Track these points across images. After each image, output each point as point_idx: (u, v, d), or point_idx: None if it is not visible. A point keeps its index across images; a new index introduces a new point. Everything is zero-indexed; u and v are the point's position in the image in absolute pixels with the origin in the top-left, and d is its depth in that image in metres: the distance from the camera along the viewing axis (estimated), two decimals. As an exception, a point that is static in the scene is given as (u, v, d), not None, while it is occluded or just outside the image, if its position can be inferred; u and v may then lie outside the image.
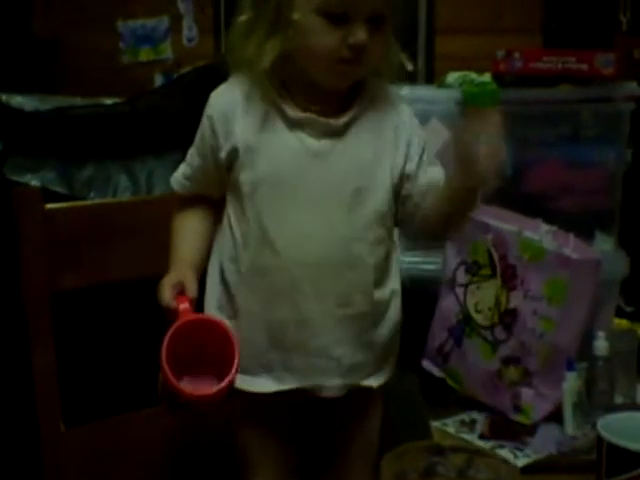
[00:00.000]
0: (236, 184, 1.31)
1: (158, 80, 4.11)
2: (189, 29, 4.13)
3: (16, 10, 3.76)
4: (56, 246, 1.36)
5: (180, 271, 1.31)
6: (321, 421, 1.45)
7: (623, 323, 2.06)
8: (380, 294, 1.35)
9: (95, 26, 4.01)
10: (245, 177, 1.29)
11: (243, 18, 1.29)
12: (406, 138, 1.34)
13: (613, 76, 1.94)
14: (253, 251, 1.29)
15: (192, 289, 1.29)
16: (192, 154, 1.37)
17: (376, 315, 1.35)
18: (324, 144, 1.28)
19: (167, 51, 4.17)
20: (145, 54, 4.17)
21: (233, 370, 1.20)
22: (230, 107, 1.30)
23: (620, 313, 2.14)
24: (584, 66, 1.92)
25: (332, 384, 1.33)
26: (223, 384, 1.20)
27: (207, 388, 1.21)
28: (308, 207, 1.28)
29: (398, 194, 1.35)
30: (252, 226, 1.29)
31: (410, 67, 1.76)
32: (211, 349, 1.23)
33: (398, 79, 1.36)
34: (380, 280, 1.35)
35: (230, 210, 1.34)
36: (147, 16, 4.12)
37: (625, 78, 2.02)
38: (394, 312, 1.40)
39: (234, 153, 1.29)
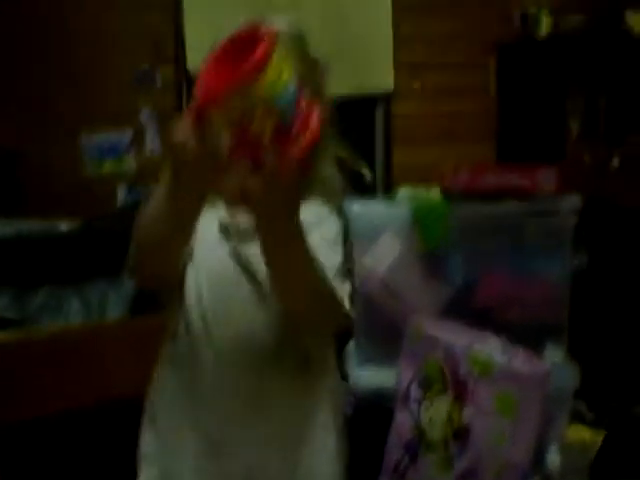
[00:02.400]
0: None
1: (121, 192, 4.17)
2: (152, 141, 4.21)
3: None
4: (7, 376, 1.35)
5: None
6: None
7: (583, 430, 2.06)
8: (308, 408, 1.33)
9: (58, 138, 4.07)
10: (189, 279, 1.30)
11: None
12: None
13: (555, 190, 2.00)
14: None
15: None
16: None
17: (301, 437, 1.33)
18: (249, 248, 1.31)
19: (130, 163, 4.24)
20: (108, 166, 4.23)
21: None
22: None
23: (581, 419, 2.15)
24: (526, 181, 1.99)
25: None
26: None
27: None
28: (242, 311, 1.29)
29: None
30: (194, 318, 1.29)
31: (369, 177, 1.80)
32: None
33: (331, 197, 1.39)
34: (306, 388, 1.33)
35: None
36: (110, 128, 4.19)
37: (573, 184, 2.07)
38: (329, 439, 1.37)
39: None
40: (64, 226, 2.12)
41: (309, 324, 1.27)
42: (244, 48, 0.91)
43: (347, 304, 1.29)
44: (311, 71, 1.32)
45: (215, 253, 1.33)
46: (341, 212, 2.03)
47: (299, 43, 1.30)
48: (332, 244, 1.35)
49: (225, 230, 1.33)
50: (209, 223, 1.31)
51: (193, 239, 1.25)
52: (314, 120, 0.92)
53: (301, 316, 1.23)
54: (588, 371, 2.01)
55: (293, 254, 1.13)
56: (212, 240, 1.33)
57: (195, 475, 1.28)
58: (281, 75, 0.89)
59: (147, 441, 1.36)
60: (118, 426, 1.68)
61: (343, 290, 1.31)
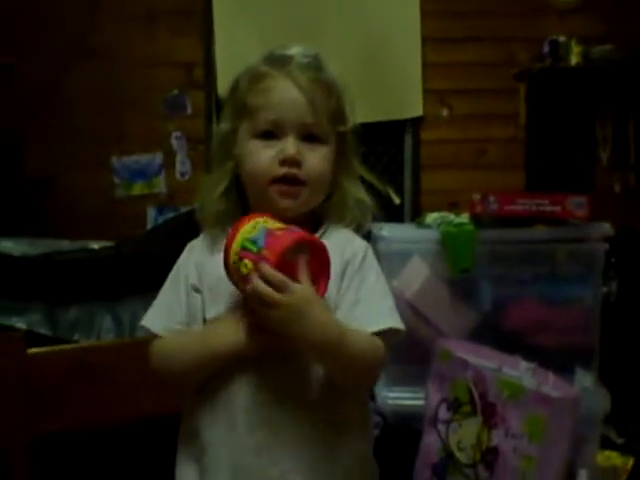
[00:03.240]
0: None
1: (151, 213, 4.20)
2: (182, 164, 4.25)
3: (8, 149, 3.87)
4: (38, 390, 1.37)
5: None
6: None
7: (613, 456, 2.05)
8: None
9: (89, 162, 4.12)
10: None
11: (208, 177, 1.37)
12: (351, 274, 1.33)
13: (586, 217, 1.99)
14: None
15: None
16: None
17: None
18: None
19: (160, 185, 4.28)
20: (139, 188, 4.27)
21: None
22: None
23: (611, 445, 2.14)
24: (557, 208, 1.98)
25: None
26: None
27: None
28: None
29: None
30: None
31: (397, 201, 1.81)
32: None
33: (361, 222, 1.39)
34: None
35: None
36: (141, 152, 4.24)
37: (603, 213, 2.06)
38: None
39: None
40: (96, 245, 2.15)
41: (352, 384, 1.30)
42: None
43: (399, 322, 1.30)
44: (328, 94, 1.34)
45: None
46: (369, 236, 2.04)
47: (314, 68, 1.33)
48: (383, 279, 1.36)
49: None
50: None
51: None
52: (279, 243, 1.16)
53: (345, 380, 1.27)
54: (618, 397, 2.01)
55: (324, 348, 1.19)
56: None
57: None
58: (252, 231, 1.20)
59: (181, 461, 1.35)
60: (150, 445, 1.68)
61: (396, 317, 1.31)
